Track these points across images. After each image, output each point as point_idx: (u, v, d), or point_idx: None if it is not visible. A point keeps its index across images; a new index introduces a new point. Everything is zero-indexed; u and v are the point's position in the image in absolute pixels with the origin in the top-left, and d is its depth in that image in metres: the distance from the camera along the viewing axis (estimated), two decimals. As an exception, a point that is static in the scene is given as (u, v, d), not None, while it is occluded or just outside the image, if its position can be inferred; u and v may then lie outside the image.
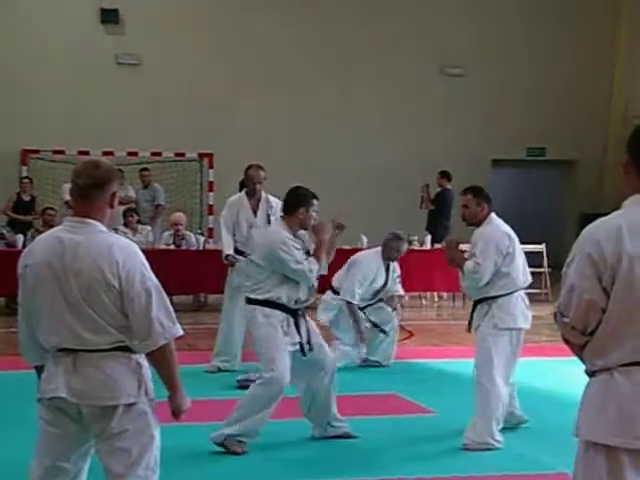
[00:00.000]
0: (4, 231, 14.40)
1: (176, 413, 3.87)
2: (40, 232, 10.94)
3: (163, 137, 18.57)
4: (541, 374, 9.20)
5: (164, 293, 3.80)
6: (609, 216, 3.15)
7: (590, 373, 3.15)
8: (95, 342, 3.71)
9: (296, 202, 6.53)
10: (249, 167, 9.44)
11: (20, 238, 14.11)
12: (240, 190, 9.93)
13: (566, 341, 3.18)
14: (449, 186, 16.12)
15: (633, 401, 3.01)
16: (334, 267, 12.01)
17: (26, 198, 15.48)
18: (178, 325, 3.81)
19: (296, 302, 6.49)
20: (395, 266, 9.58)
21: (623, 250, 3.02)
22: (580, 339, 3.11)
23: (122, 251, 3.76)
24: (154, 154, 18.30)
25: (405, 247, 9.56)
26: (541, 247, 16.13)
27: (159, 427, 3.86)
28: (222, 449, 6.33)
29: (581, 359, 3.17)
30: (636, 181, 3.14)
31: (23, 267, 3.87)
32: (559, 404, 7.47)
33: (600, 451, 3.03)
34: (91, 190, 3.80)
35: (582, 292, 3.06)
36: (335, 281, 9.54)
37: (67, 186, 15.32)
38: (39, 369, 3.96)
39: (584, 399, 3.14)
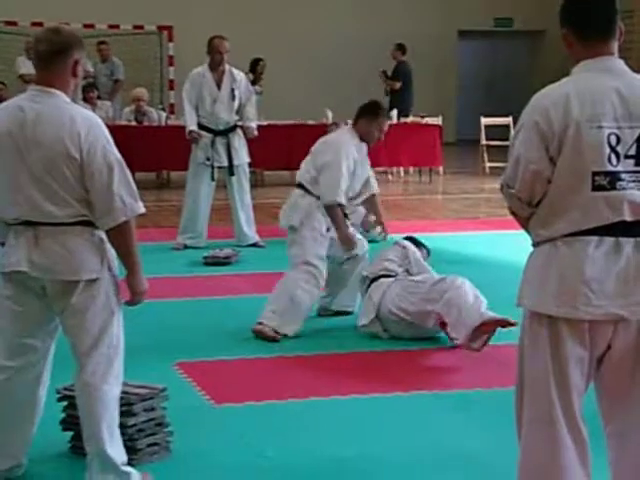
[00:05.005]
0: None
1: (132, 294, 3.80)
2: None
3: (121, 9, 18.12)
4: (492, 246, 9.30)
5: (127, 169, 3.72)
6: (557, 83, 3.07)
7: (535, 244, 3.11)
8: (57, 215, 3.65)
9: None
10: (213, 37, 9.26)
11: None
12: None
13: (513, 214, 3.16)
14: (404, 58, 16.13)
15: (575, 271, 2.97)
16: (297, 148, 11.61)
17: None
18: (140, 203, 3.73)
19: None
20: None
21: (571, 117, 2.95)
22: (526, 211, 3.08)
23: (84, 123, 3.68)
24: (111, 26, 17.77)
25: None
26: (508, 120, 16.02)
27: (122, 304, 3.81)
28: None
29: (527, 232, 3.14)
30: (580, 49, 3.06)
31: None
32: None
33: (542, 321, 3.03)
34: (53, 57, 3.71)
35: (528, 162, 2.99)
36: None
37: (21, 59, 14.96)
38: (4, 245, 3.87)
39: (527, 269, 3.11)
